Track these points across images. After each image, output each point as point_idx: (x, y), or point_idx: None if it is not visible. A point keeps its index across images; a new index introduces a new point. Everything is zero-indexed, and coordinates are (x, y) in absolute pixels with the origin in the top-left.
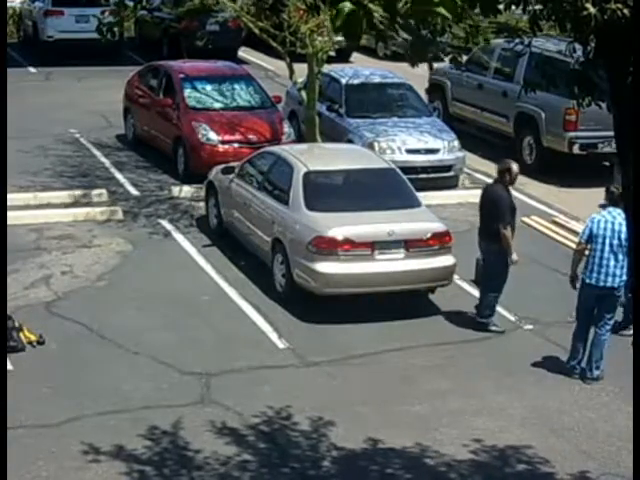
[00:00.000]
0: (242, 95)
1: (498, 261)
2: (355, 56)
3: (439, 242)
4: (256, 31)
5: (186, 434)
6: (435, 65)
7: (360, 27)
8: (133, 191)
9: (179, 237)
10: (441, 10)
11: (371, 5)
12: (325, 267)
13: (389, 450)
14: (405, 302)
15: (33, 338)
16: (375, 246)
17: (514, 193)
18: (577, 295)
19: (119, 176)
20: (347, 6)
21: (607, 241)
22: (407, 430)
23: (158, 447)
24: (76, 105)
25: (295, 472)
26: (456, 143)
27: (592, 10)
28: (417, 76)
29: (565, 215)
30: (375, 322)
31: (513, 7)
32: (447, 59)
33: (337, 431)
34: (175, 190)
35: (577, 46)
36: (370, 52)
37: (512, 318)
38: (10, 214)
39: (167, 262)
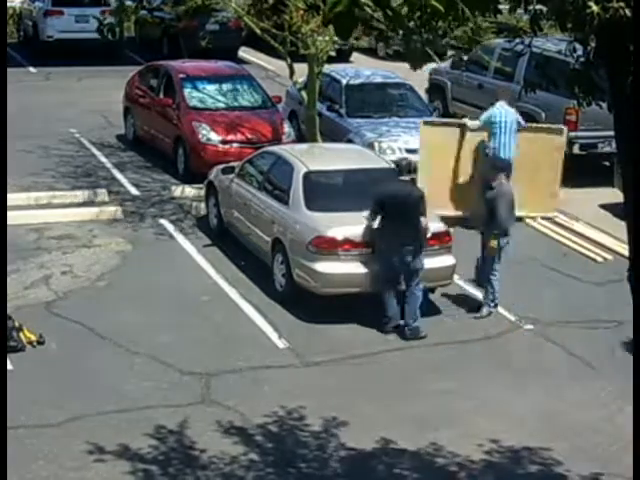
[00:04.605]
0: (242, 95)
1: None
2: (355, 56)
3: (439, 242)
4: (257, 31)
5: (187, 434)
6: (435, 65)
7: (351, 22)
8: (133, 191)
9: (179, 237)
10: (433, 3)
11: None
12: (325, 267)
13: (393, 450)
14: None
15: (33, 338)
16: None
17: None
18: None
19: (119, 176)
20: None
21: None
22: (408, 430)
23: (159, 447)
24: (76, 105)
25: (300, 472)
26: None
27: (595, 8)
28: (417, 75)
29: (565, 215)
30: (375, 322)
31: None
32: (449, 59)
33: (339, 431)
34: (176, 190)
35: (577, 46)
36: (370, 52)
37: (512, 318)
38: (10, 214)
39: (167, 262)
